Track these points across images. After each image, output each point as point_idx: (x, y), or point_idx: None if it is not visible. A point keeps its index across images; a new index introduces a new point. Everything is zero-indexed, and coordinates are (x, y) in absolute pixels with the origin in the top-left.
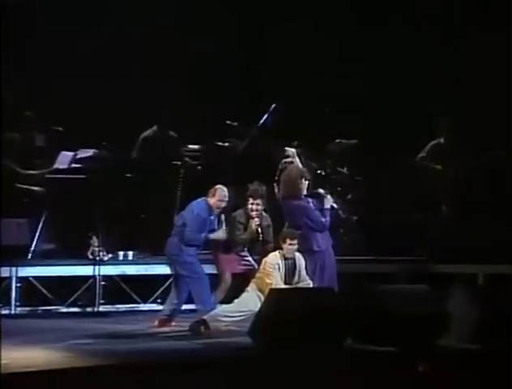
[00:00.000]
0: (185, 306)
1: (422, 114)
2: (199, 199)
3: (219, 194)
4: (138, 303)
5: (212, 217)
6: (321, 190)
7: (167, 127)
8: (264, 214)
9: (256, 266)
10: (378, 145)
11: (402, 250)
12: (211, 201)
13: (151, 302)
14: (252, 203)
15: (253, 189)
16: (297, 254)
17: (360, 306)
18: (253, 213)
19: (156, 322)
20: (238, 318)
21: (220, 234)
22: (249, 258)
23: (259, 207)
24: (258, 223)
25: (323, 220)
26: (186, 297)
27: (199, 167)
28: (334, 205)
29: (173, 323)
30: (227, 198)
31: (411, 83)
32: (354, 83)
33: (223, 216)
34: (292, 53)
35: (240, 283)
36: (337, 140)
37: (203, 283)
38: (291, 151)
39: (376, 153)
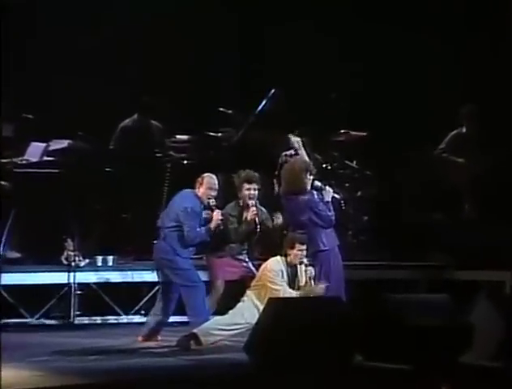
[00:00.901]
0: (172, 318)
1: (442, 100)
2: (185, 192)
3: (208, 182)
4: (119, 315)
5: (204, 210)
6: (317, 183)
7: (151, 115)
8: (261, 207)
9: (255, 271)
10: (392, 135)
11: (419, 254)
12: (200, 191)
13: (133, 314)
14: (248, 189)
15: (246, 173)
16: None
17: (372, 318)
18: (250, 201)
19: (140, 337)
20: (233, 332)
21: (215, 217)
22: (248, 263)
23: (256, 193)
24: (255, 212)
25: (330, 213)
26: (175, 307)
27: (188, 160)
28: (336, 195)
29: (159, 338)
30: (216, 186)
31: (431, 64)
32: (365, 66)
33: (212, 201)
34: (294, 32)
35: (236, 291)
36: (345, 130)
37: (199, 292)
38: (296, 140)
39: (389, 144)
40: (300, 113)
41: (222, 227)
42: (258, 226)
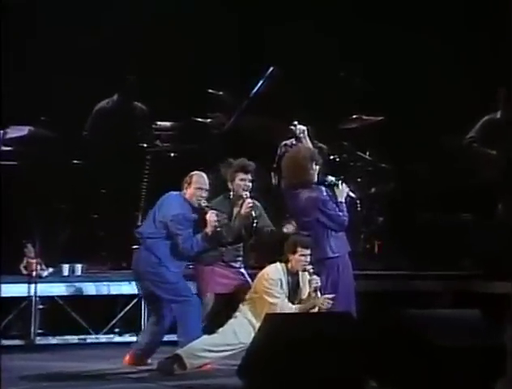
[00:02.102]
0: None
1: (472, 79)
2: (172, 195)
3: (197, 181)
4: (89, 334)
5: (193, 214)
6: (330, 178)
7: (130, 97)
8: (255, 201)
9: (251, 282)
10: (412, 121)
11: (444, 261)
12: (188, 192)
13: (105, 332)
14: (243, 179)
15: (240, 161)
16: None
17: (387, 338)
18: (244, 193)
19: (127, 358)
20: (223, 353)
21: (210, 219)
22: (243, 272)
23: (251, 185)
24: (251, 204)
25: (341, 214)
26: (168, 324)
27: (171, 150)
28: (352, 194)
29: (149, 361)
30: (207, 186)
31: (457, 40)
32: (379, 39)
33: (203, 202)
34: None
35: (228, 305)
36: (356, 114)
37: (192, 308)
38: (300, 128)
39: (408, 132)
40: (302, 96)
41: (219, 229)
42: (255, 222)
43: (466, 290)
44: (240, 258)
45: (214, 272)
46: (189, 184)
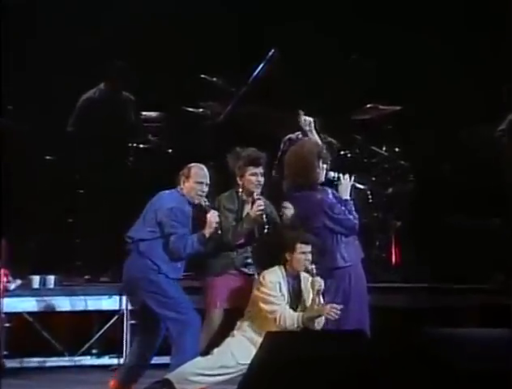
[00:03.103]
0: None
1: (503, 63)
2: (165, 193)
3: (196, 174)
4: (63, 355)
5: (191, 212)
6: (331, 173)
7: (117, 85)
8: (266, 200)
9: None
10: (434, 112)
11: (471, 273)
12: (186, 187)
13: (81, 354)
14: (254, 174)
15: (251, 152)
16: (303, 274)
17: (406, 360)
18: (256, 191)
19: (112, 382)
20: (219, 378)
21: (211, 219)
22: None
23: (263, 180)
24: (262, 206)
25: (350, 216)
26: (157, 346)
27: (160, 145)
28: (359, 185)
29: (136, 386)
30: (208, 180)
31: (485, 20)
32: (397, 18)
33: (204, 200)
34: None
35: (229, 320)
36: (371, 104)
37: (191, 327)
38: (308, 120)
39: (430, 124)
40: (308, 82)
41: (220, 232)
42: (267, 226)
43: (496, 306)
44: (250, 262)
45: (226, 282)
46: (188, 177)
